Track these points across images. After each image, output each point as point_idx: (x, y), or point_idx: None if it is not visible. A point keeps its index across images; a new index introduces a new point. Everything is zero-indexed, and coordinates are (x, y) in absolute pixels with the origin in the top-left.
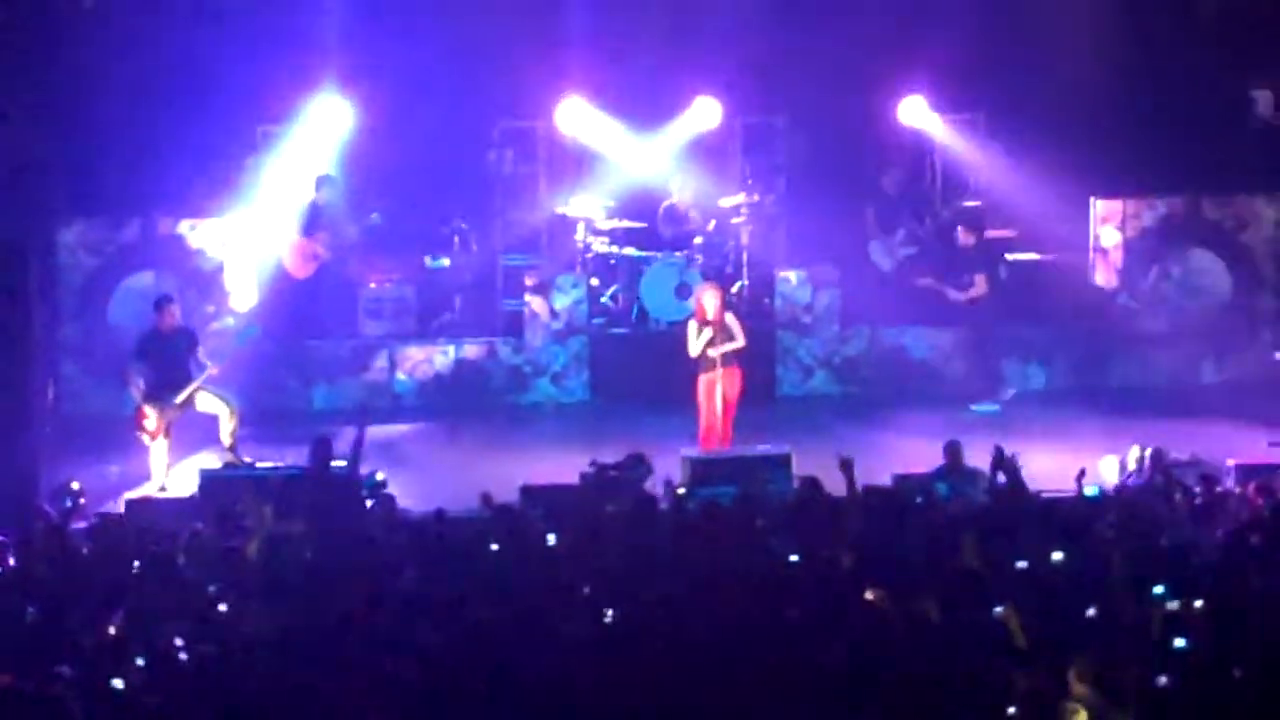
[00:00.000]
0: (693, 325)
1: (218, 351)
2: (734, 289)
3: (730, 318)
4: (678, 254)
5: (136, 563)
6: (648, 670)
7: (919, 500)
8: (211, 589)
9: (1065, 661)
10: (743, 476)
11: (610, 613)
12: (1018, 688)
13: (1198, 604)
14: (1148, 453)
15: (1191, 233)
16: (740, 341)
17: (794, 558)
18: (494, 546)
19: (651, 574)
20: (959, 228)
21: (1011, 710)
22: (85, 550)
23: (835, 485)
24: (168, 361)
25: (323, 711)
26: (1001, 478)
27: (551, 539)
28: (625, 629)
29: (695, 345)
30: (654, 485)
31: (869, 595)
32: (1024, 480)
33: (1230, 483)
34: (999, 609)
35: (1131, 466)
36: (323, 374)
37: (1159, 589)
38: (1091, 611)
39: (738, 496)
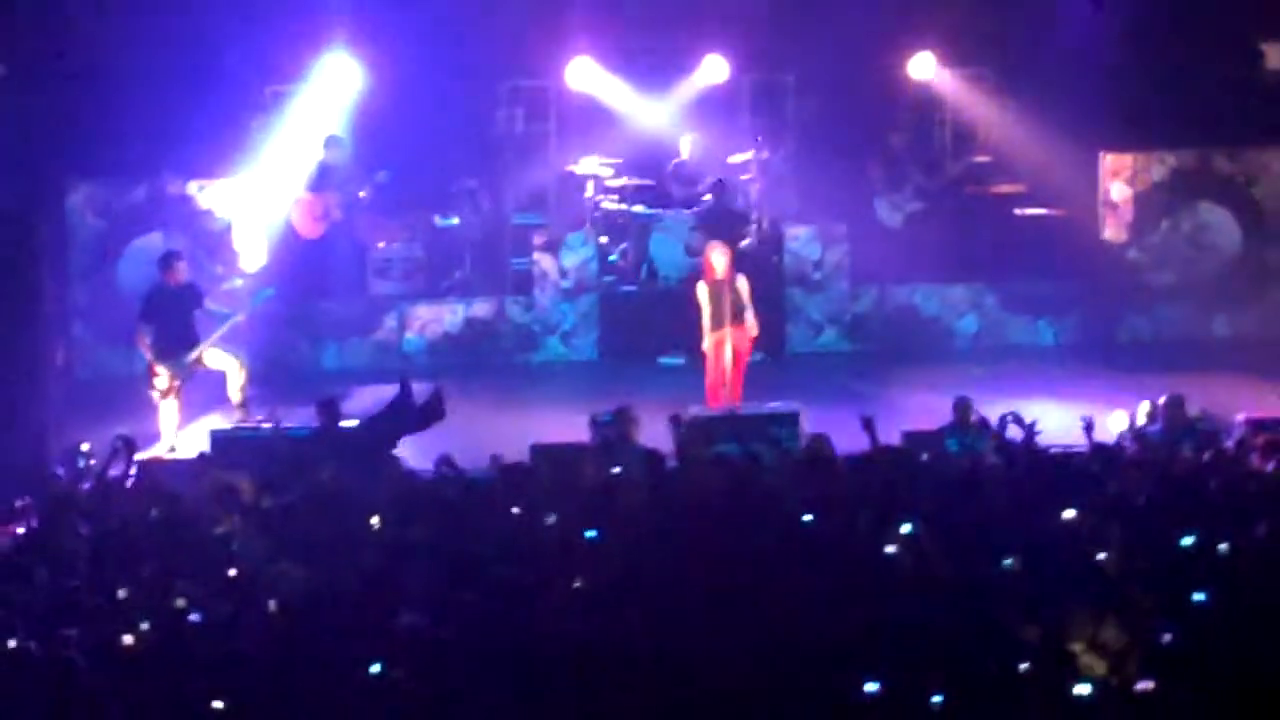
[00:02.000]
0: (701, 284)
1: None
2: (742, 244)
3: (741, 278)
4: (687, 212)
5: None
6: (657, 630)
7: (924, 457)
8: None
9: (1071, 616)
10: (751, 435)
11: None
12: (1029, 642)
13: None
14: (1161, 401)
15: (1201, 187)
16: (749, 311)
17: (807, 516)
18: (514, 510)
19: (661, 531)
20: None
21: (1024, 666)
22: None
23: (843, 442)
24: (176, 318)
25: (333, 679)
26: (1011, 433)
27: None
28: (634, 586)
29: (704, 304)
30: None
31: (890, 549)
32: (1035, 437)
33: (1237, 437)
34: (1007, 561)
35: (1142, 421)
36: (332, 334)
37: (1187, 539)
38: (1102, 557)
39: (744, 453)
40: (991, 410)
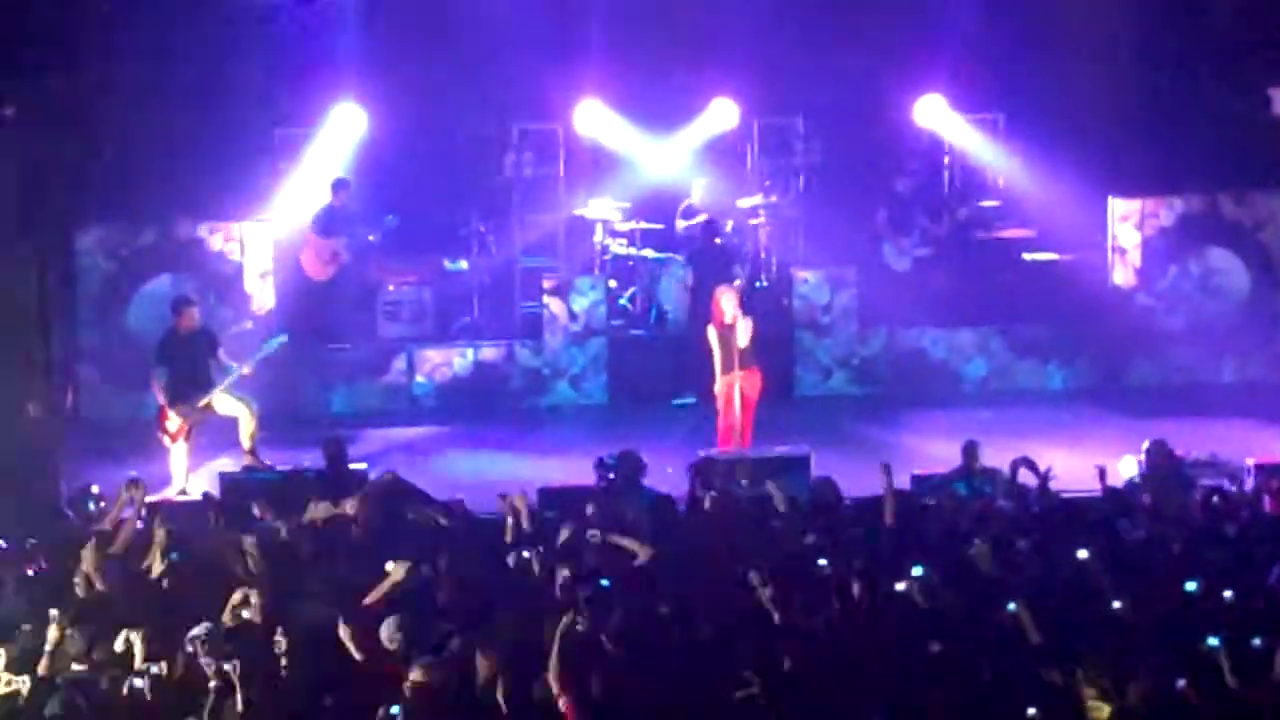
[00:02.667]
0: (711, 328)
1: (238, 355)
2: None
3: (744, 322)
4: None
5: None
6: (665, 668)
7: (931, 502)
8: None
9: (1081, 661)
10: (761, 478)
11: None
12: (1039, 686)
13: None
14: (1144, 446)
15: (1209, 231)
16: (743, 342)
17: (822, 561)
18: (525, 554)
19: (673, 573)
20: None
21: (1032, 711)
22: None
23: (852, 486)
24: (188, 364)
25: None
26: (1024, 478)
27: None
28: (647, 628)
29: (715, 347)
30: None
31: (900, 586)
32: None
33: (1249, 483)
34: (1012, 605)
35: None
36: (341, 377)
37: (1191, 585)
38: (1116, 605)
39: (752, 497)
40: (1000, 454)
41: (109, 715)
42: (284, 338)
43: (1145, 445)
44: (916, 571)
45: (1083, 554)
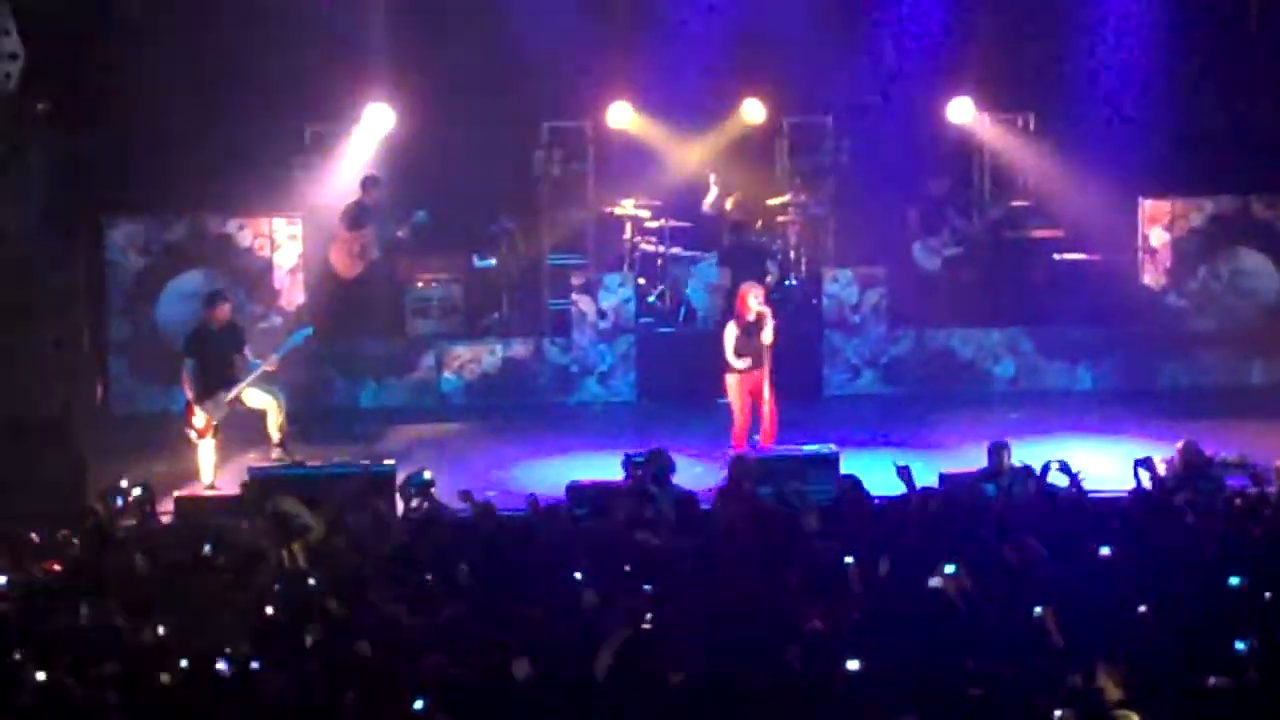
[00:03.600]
0: (732, 325)
1: (271, 351)
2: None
3: (769, 320)
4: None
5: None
6: (685, 669)
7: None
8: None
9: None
10: (791, 476)
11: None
12: (1065, 689)
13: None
14: (1178, 447)
15: (1240, 233)
16: (769, 339)
17: (849, 559)
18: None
19: (696, 574)
20: None
21: (1059, 713)
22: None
23: (879, 485)
24: (217, 358)
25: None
26: (1054, 478)
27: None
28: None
29: (730, 345)
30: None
31: (935, 582)
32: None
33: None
34: (1038, 609)
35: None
36: (370, 373)
37: (1234, 580)
38: (1141, 609)
39: (775, 496)
40: (1029, 455)
41: None
42: (309, 330)
43: (1178, 445)
44: (949, 569)
45: (1105, 551)
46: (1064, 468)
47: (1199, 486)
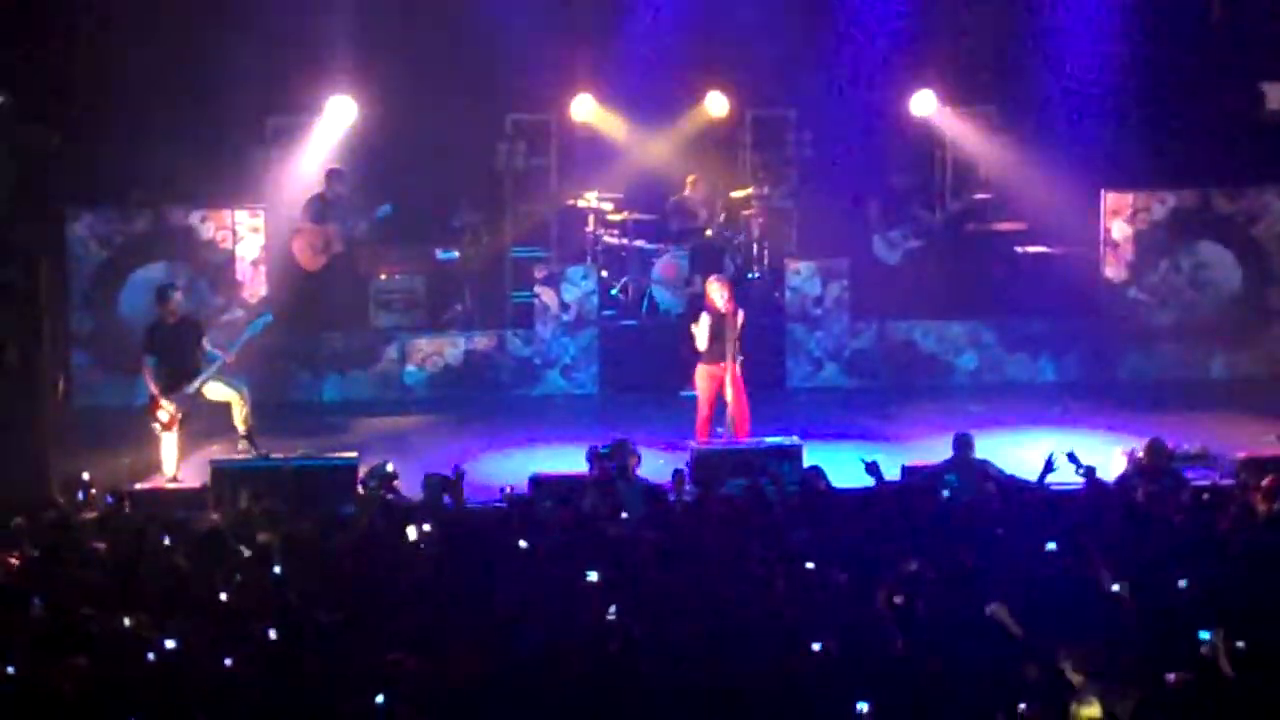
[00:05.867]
0: (703, 317)
1: (228, 342)
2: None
3: (739, 312)
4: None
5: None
6: (651, 665)
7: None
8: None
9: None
10: (754, 469)
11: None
12: (1026, 681)
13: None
14: (1141, 444)
15: (1202, 226)
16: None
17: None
18: (522, 543)
19: (663, 567)
20: None
21: (1022, 706)
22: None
23: (842, 478)
24: (177, 353)
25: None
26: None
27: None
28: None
29: (703, 337)
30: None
31: (990, 610)
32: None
33: (1235, 478)
34: (992, 606)
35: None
36: (333, 366)
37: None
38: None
39: (746, 488)
40: (991, 447)
41: None
42: (268, 318)
43: (1144, 443)
44: (911, 567)
45: (1050, 546)
46: (1073, 460)
47: (1161, 482)
